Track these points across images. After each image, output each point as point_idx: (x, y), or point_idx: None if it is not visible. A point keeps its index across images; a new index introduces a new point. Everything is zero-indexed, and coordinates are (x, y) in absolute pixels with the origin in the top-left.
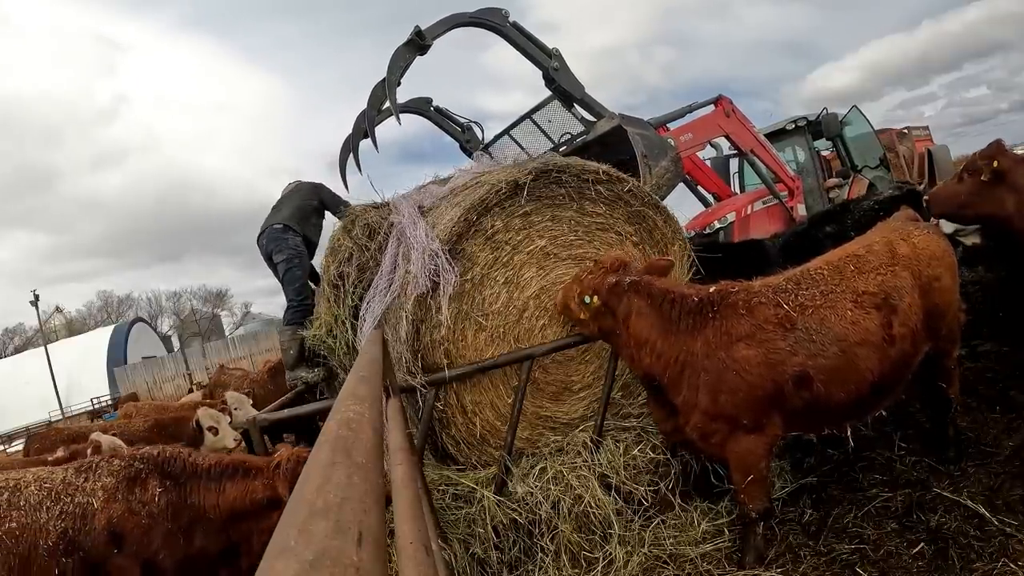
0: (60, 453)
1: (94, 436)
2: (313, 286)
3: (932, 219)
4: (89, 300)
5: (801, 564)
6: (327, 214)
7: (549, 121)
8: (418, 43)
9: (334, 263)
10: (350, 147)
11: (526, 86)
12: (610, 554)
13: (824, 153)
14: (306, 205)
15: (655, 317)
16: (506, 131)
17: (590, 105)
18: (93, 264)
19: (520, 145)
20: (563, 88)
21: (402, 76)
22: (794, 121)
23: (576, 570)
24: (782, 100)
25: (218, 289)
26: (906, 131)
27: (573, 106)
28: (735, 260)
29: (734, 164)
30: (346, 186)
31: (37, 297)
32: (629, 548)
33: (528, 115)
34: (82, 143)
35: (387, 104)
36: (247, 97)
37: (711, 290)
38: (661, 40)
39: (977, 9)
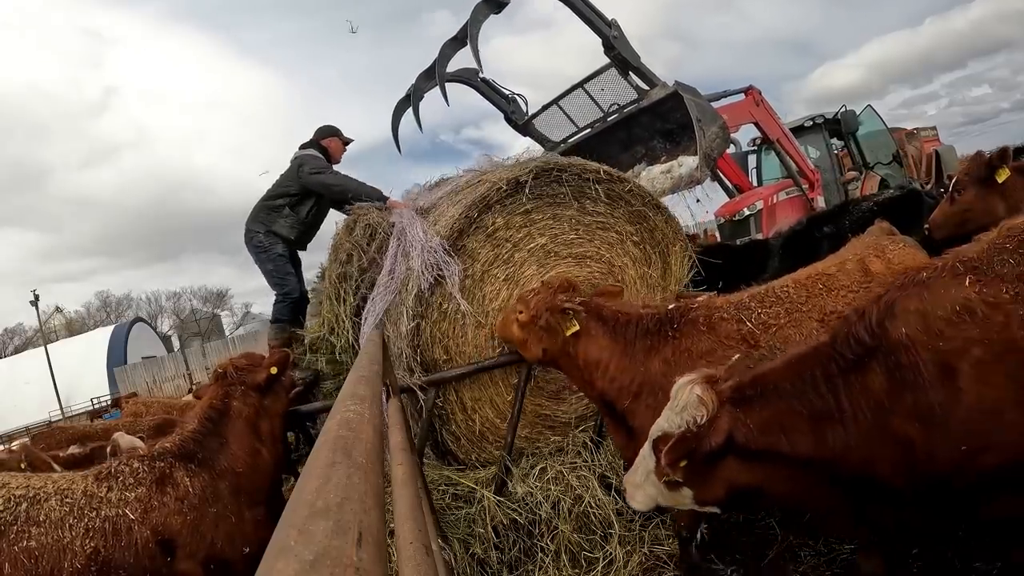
0: (74, 450)
1: (116, 436)
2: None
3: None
4: (87, 300)
5: (801, 564)
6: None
7: (602, 90)
8: (497, 0)
9: (336, 262)
10: (403, 110)
11: (522, 83)
12: (610, 554)
13: (835, 152)
14: (277, 197)
15: (607, 339)
16: (555, 101)
17: (645, 74)
18: (88, 264)
19: (568, 115)
20: (622, 56)
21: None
22: (812, 119)
23: (576, 570)
24: (784, 98)
25: (218, 289)
26: (914, 131)
27: (628, 74)
28: (738, 262)
29: (751, 160)
30: (399, 148)
31: (37, 297)
32: (629, 548)
33: (580, 84)
34: (72, 138)
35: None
36: (241, 93)
37: (670, 307)
38: (664, 35)
39: (982, 6)
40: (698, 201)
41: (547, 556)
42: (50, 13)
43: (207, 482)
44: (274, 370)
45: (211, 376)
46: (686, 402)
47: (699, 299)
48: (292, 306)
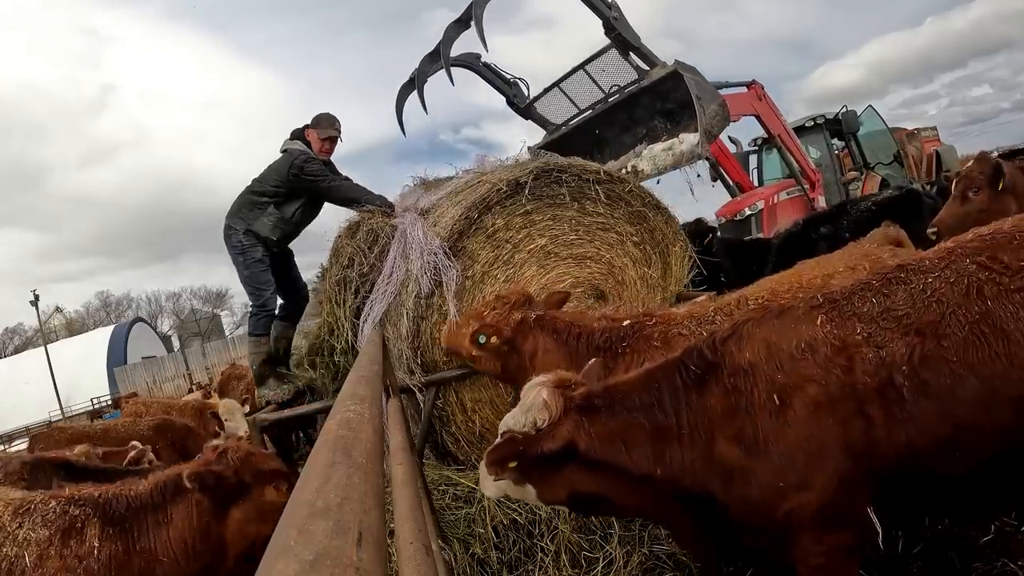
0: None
1: (133, 443)
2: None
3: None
4: (87, 300)
5: None
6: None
7: (603, 71)
8: None
9: (336, 265)
10: (407, 94)
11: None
12: (610, 554)
13: (836, 152)
14: (263, 194)
15: (562, 354)
16: (556, 84)
17: (645, 54)
18: (88, 263)
19: (570, 98)
20: (622, 36)
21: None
22: (813, 119)
23: (576, 570)
24: (784, 98)
25: (218, 289)
26: (915, 132)
27: (629, 55)
28: (740, 259)
29: (752, 160)
30: (403, 131)
31: (37, 297)
32: (629, 548)
33: (581, 66)
34: (70, 138)
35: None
36: (240, 92)
37: (624, 323)
38: (664, 34)
39: (982, 6)
40: (699, 176)
41: (547, 556)
42: (48, 12)
43: (117, 552)
44: (275, 492)
45: (209, 452)
46: (531, 403)
47: (659, 313)
48: (269, 319)
